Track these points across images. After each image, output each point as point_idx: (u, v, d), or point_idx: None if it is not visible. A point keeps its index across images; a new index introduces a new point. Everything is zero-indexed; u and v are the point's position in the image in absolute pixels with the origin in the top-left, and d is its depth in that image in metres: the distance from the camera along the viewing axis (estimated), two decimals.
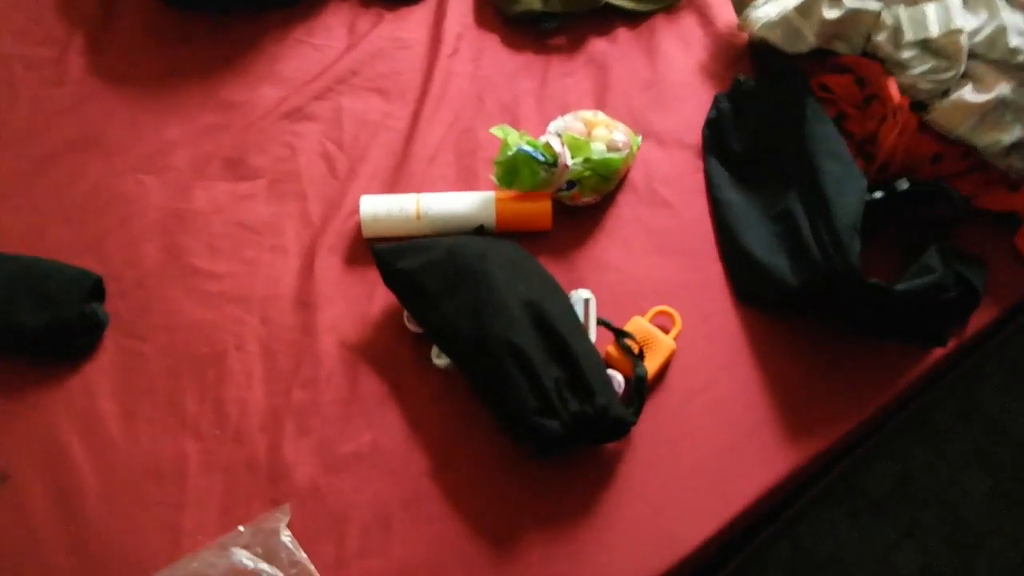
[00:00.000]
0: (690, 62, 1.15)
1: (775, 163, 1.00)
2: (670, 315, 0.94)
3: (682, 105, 1.11)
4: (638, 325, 0.92)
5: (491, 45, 1.16)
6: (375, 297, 0.95)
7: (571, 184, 0.97)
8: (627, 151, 0.98)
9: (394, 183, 1.04)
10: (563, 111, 1.09)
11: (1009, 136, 0.94)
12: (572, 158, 0.95)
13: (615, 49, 1.16)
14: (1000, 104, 0.94)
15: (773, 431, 0.89)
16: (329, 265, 0.97)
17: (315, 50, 1.15)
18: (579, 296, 0.93)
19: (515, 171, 0.95)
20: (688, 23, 1.19)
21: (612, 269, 0.98)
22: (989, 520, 1.55)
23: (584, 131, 0.99)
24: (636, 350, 0.89)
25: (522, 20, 1.16)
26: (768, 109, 1.03)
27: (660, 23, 1.19)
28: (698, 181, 1.05)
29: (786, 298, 0.94)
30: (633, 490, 0.85)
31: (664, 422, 0.89)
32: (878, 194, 0.97)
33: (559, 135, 0.98)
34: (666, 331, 0.92)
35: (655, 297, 0.96)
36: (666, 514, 0.84)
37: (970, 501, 1.57)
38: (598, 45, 1.17)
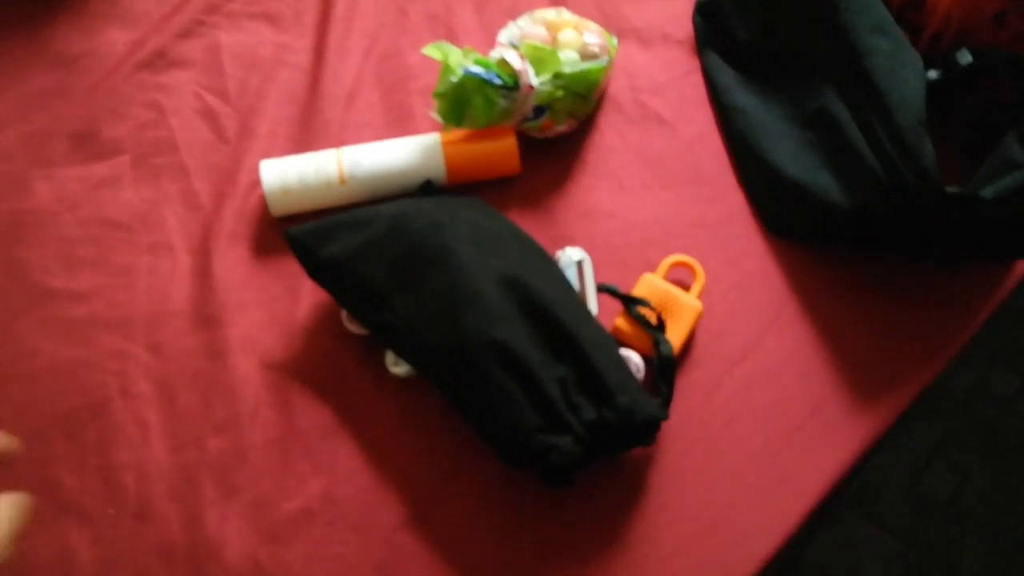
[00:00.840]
0: None
1: (798, 49, 0.77)
2: (689, 266, 0.72)
3: None
4: (650, 285, 0.70)
5: None
6: (300, 295, 0.72)
7: (540, 110, 0.73)
8: (607, 57, 0.74)
9: (304, 139, 0.78)
10: (512, 15, 0.83)
11: None
12: (537, 75, 0.70)
13: None
14: None
15: (838, 400, 0.69)
16: (232, 261, 0.73)
17: None
18: (569, 259, 0.70)
19: (463, 102, 0.71)
20: None
21: (605, 215, 0.75)
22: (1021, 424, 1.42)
23: (547, 37, 0.74)
24: (654, 320, 0.67)
25: None
26: None
27: None
28: (697, 86, 0.81)
29: (834, 225, 0.72)
30: (672, 506, 0.65)
31: (699, 409, 0.68)
32: (932, 74, 0.75)
33: (515, 47, 0.73)
34: (686, 288, 0.71)
35: (665, 244, 0.74)
36: (720, 531, 0.64)
37: (1000, 405, 1.43)
38: None
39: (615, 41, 0.79)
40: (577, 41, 0.74)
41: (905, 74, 0.69)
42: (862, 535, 1.33)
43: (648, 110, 0.80)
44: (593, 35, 0.75)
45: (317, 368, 0.69)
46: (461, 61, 0.70)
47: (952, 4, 0.75)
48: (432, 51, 0.70)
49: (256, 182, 0.75)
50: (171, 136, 0.78)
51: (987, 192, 0.67)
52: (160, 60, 0.82)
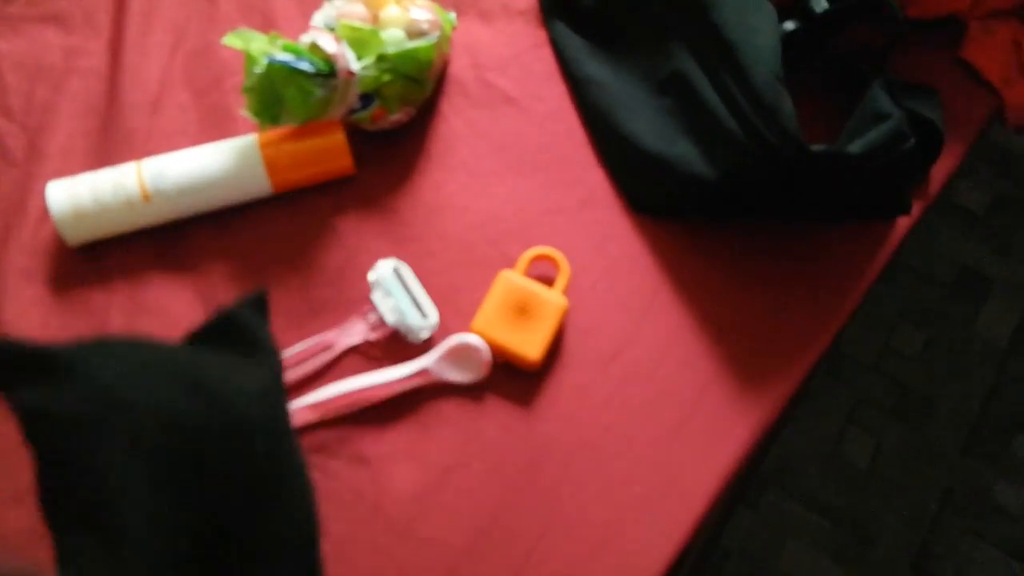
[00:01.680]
0: None
1: (646, 11, 0.70)
2: (551, 259, 0.65)
3: None
4: (509, 284, 0.62)
5: None
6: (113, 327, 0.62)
7: (368, 99, 0.65)
8: (437, 33, 0.66)
9: (105, 154, 0.68)
10: None
11: None
12: (359, 59, 0.62)
13: None
14: None
15: (723, 388, 0.63)
16: (27, 302, 0.62)
17: None
18: (384, 272, 0.62)
19: (276, 96, 0.62)
20: None
21: (456, 210, 0.68)
22: (931, 378, 1.41)
23: (368, 16, 0.66)
24: None
25: None
26: None
27: None
28: (545, 59, 0.74)
29: (701, 197, 0.66)
30: (555, 528, 0.58)
31: (575, 415, 0.61)
32: (789, 25, 0.70)
33: (331, 28, 0.64)
34: (551, 283, 0.63)
35: (524, 236, 0.67)
36: (609, 549, 0.57)
37: (907, 363, 1.42)
38: None
39: (452, 16, 0.71)
40: (402, 18, 0.66)
41: (757, 24, 0.63)
42: (784, 513, 1.30)
43: (494, 90, 0.72)
44: (421, 10, 0.67)
45: None
46: (266, 49, 0.61)
47: None
48: (233, 40, 0.61)
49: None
50: None
51: (854, 147, 0.62)
52: None
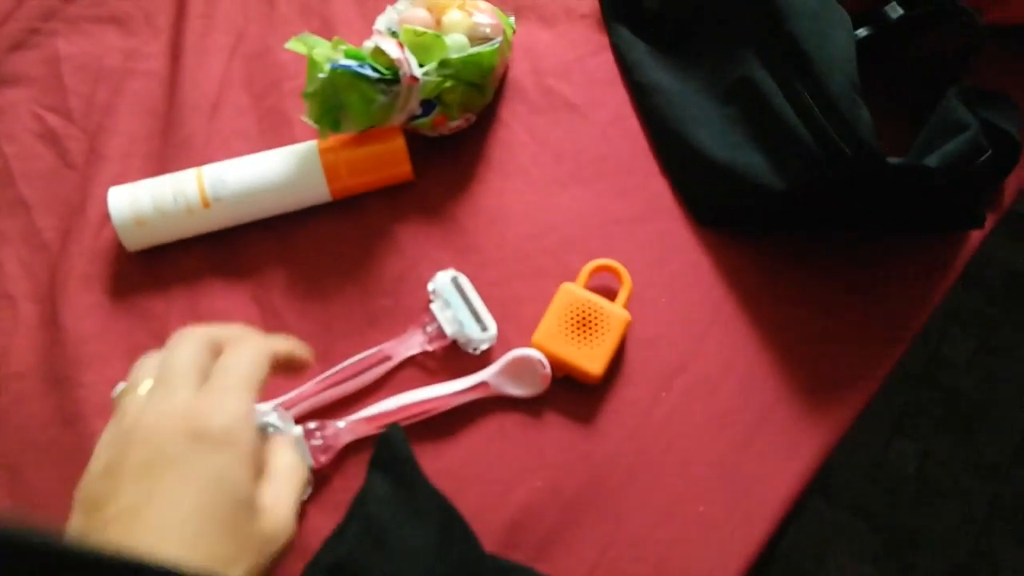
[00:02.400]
0: None
1: (713, 14, 0.69)
2: (614, 271, 0.63)
3: None
4: (571, 296, 0.61)
5: None
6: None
7: (429, 105, 0.64)
8: (499, 38, 0.65)
9: (164, 157, 0.68)
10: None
11: None
12: (421, 64, 0.61)
13: None
14: None
15: (789, 406, 0.62)
16: (85, 308, 0.62)
17: None
18: (443, 283, 0.61)
19: (337, 102, 0.61)
20: None
21: (516, 219, 0.66)
22: (981, 387, 1.37)
23: (430, 20, 0.65)
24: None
25: None
26: None
27: None
28: (607, 64, 0.72)
29: (768, 209, 0.65)
30: (616, 547, 0.57)
31: (637, 432, 0.60)
32: (862, 32, 0.67)
33: (394, 33, 0.63)
34: (613, 295, 0.62)
35: (585, 246, 0.66)
36: (670, 570, 0.56)
37: (956, 371, 1.39)
38: None
39: (512, 20, 0.70)
40: (465, 22, 0.65)
41: (833, 34, 0.61)
42: (829, 521, 1.28)
43: (555, 96, 0.71)
44: (484, 15, 0.65)
45: None
46: (329, 54, 0.60)
47: None
48: (296, 45, 0.60)
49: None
50: (6, 166, 0.67)
51: (932, 160, 0.60)
52: None
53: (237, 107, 0.70)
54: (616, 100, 0.71)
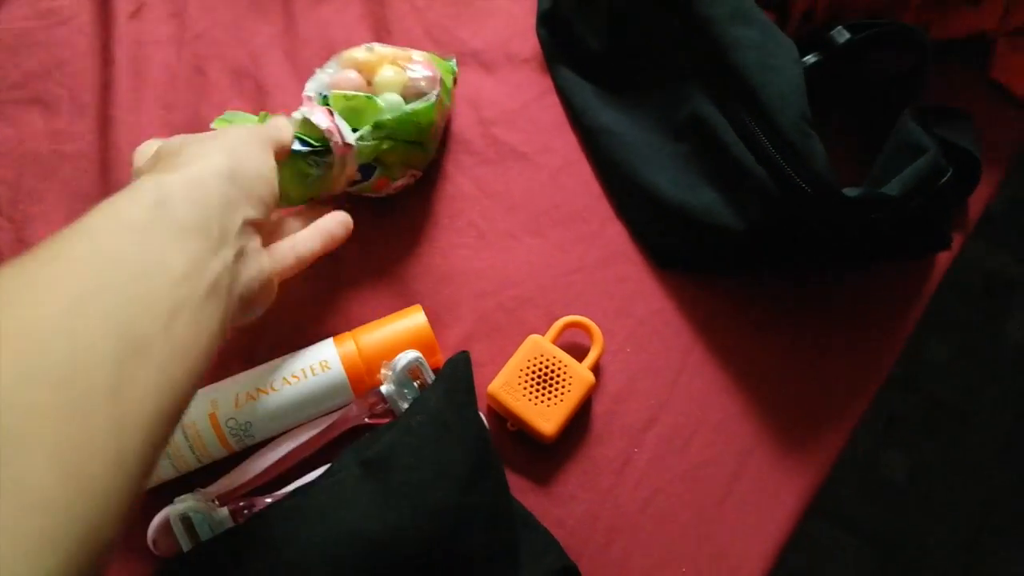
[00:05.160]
0: None
1: (657, 50, 0.67)
2: (586, 328, 0.61)
3: (496, 2, 0.75)
4: (537, 349, 0.58)
5: None
6: None
7: (368, 168, 0.61)
8: (437, 91, 0.63)
9: None
10: (329, 57, 0.71)
11: None
12: (355, 129, 0.59)
13: None
14: None
15: (766, 451, 0.60)
16: None
17: None
18: (401, 365, 0.55)
19: None
20: None
21: (470, 277, 0.64)
22: (963, 389, 1.36)
23: (361, 82, 0.62)
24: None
25: None
26: None
27: None
28: (553, 107, 0.70)
29: (728, 249, 0.63)
30: None
31: (611, 492, 0.58)
32: (810, 58, 0.66)
33: (325, 98, 0.61)
34: (579, 353, 0.59)
35: (543, 301, 0.63)
36: None
37: (937, 375, 1.37)
38: None
39: (452, 62, 0.67)
40: (398, 79, 0.62)
41: (779, 65, 0.59)
42: (823, 538, 1.26)
43: (502, 145, 0.68)
44: (419, 66, 0.63)
45: None
46: None
47: None
48: (221, 124, 0.58)
49: None
50: None
51: (892, 188, 0.58)
52: None
53: None
54: (565, 145, 0.69)
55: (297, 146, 0.55)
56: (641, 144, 0.66)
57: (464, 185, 0.67)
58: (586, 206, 0.67)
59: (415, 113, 0.60)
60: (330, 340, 0.57)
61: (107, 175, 0.67)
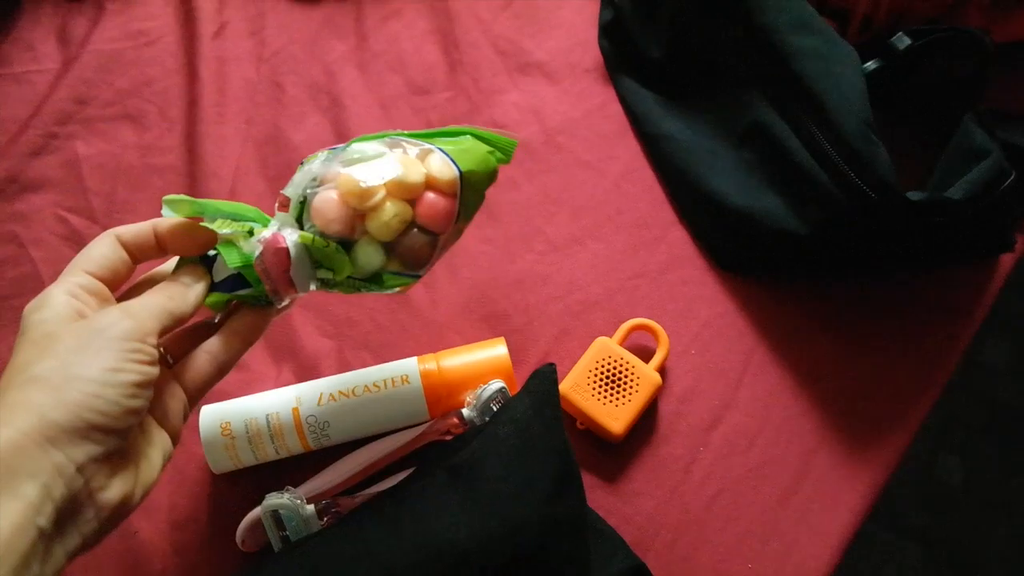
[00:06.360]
0: None
1: (718, 59, 0.69)
2: (652, 331, 0.63)
3: (560, 13, 0.77)
4: (605, 350, 0.61)
5: (271, 4, 0.79)
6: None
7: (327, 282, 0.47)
8: (421, 274, 0.47)
9: None
10: (400, 69, 0.75)
11: None
12: (321, 272, 0.45)
13: None
14: None
15: (830, 451, 0.61)
16: None
17: (17, 83, 0.77)
18: (487, 394, 0.56)
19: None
20: None
21: (538, 281, 0.66)
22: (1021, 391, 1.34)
23: (341, 212, 0.44)
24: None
25: None
26: None
27: None
28: (616, 116, 0.73)
29: (792, 253, 0.64)
30: None
31: (678, 489, 0.59)
32: (871, 64, 0.67)
33: (302, 202, 0.45)
34: (646, 354, 0.62)
35: (608, 304, 0.65)
36: None
37: (995, 377, 1.36)
38: None
39: (514, 141, 0.50)
40: (397, 222, 0.44)
41: (842, 72, 0.61)
42: (879, 543, 1.25)
43: (566, 153, 0.71)
44: (439, 198, 0.45)
45: None
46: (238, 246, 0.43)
47: None
48: (170, 207, 0.44)
49: None
50: (35, 271, 0.68)
51: (955, 193, 0.59)
52: (11, 186, 0.71)
53: (254, 192, 0.70)
54: (628, 152, 0.71)
55: (242, 291, 0.45)
56: (703, 151, 0.68)
57: (530, 192, 0.69)
58: (649, 211, 0.69)
59: (389, 285, 0.46)
60: (414, 358, 0.60)
61: (195, 185, 0.71)
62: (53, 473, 0.33)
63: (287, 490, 0.57)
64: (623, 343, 0.62)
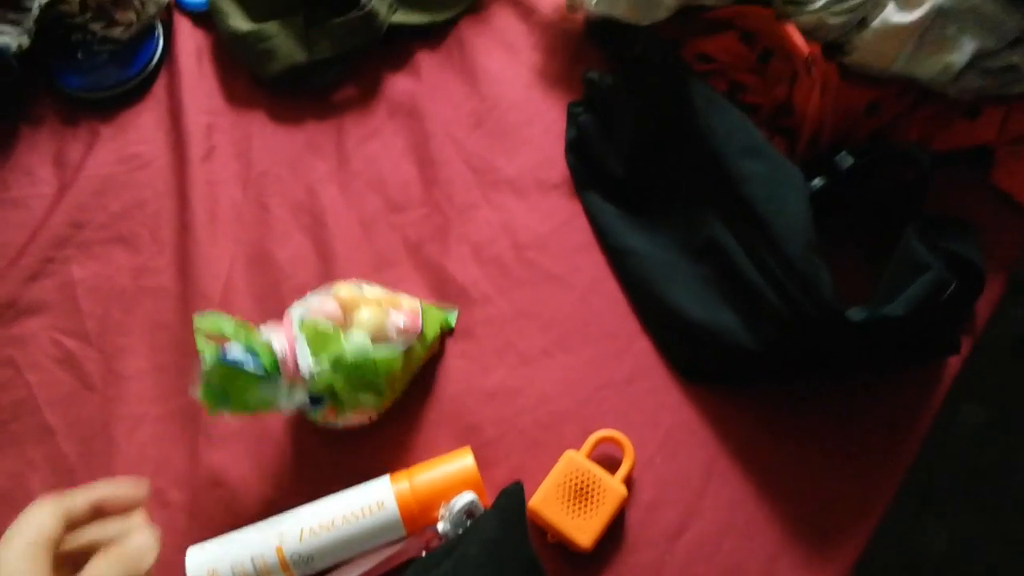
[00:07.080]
0: (521, 71, 0.85)
1: (675, 179, 0.73)
2: (618, 442, 0.66)
3: (528, 131, 0.82)
4: (572, 464, 0.64)
5: (257, 127, 0.84)
6: None
7: (316, 399, 0.61)
8: (410, 337, 0.65)
9: (182, 370, 0.72)
10: (379, 188, 0.79)
11: (960, 55, 0.69)
12: (314, 355, 0.59)
13: (421, 83, 0.86)
14: (938, 17, 0.69)
15: (793, 554, 0.64)
16: None
17: (15, 207, 0.81)
18: (458, 507, 0.61)
19: (223, 390, 0.58)
20: (503, 20, 0.89)
21: (510, 394, 0.70)
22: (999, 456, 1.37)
23: (338, 314, 0.64)
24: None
25: (287, 81, 0.85)
26: (642, 108, 0.75)
27: (467, 30, 0.89)
28: (582, 230, 0.77)
29: (747, 364, 0.68)
30: None
31: None
32: (817, 182, 0.71)
33: (302, 322, 0.61)
34: (612, 464, 0.65)
35: (577, 415, 0.69)
36: None
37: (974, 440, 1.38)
38: (398, 84, 0.86)
39: (452, 316, 0.72)
40: (375, 321, 0.63)
41: (786, 196, 0.65)
42: None
43: (535, 267, 0.75)
44: (401, 316, 0.65)
45: None
46: (214, 353, 0.57)
47: (822, 106, 0.72)
48: (205, 323, 0.59)
49: None
50: (30, 394, 0.72)
51: (896, 309, 0.62)
52: (9, 311, 0.75)
53: (242, 312, 0.74)
54: (594, 265, 0.75)
55: (250, 367, 0.57)
56: (664, 265, 0.72)
57: (502, 307, 0.73)
58: (615, 323, 0.72)
59: (375, 361, 0.61)
60: (386, 478, 0.63)
61: (185, 306, 0.75)
62: None
63: None
64: (590, 455, 0.65)
